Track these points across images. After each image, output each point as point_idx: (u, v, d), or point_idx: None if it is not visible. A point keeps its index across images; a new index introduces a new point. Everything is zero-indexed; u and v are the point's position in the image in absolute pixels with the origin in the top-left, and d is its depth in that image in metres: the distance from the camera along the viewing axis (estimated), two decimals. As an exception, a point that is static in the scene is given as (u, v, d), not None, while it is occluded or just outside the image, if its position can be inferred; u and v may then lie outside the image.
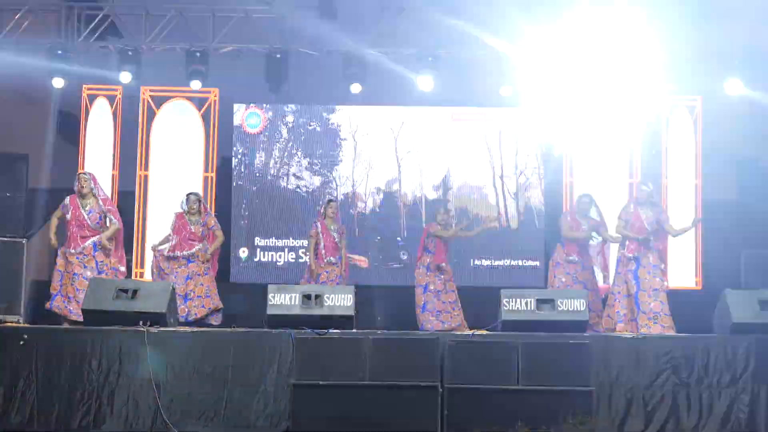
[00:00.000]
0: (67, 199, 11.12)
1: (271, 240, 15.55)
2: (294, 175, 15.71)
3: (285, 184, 15.75)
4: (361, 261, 12.23)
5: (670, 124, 14.63)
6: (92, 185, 11.07)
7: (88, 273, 10.82)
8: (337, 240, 12.11)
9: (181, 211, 11.75)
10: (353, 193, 15.48)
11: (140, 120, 14.63)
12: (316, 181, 15.69)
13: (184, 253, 11.49)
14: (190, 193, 11.85)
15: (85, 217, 10.96)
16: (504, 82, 14.01)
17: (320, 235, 12.01)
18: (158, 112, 14.62)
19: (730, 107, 14.52)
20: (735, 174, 17.45)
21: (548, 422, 7.93)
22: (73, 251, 10.97)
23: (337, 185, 15.58)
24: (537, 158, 15.51)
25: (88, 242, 10.97)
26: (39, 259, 16.43)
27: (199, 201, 11.75)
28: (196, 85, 13.85)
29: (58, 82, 13.71)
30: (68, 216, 11.05)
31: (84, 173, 11.22)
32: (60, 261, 11.07)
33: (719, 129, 15.88)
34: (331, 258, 11.97)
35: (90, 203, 11.01)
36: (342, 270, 12.11)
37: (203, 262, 11.50)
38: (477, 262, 15.08)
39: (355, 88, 13.86)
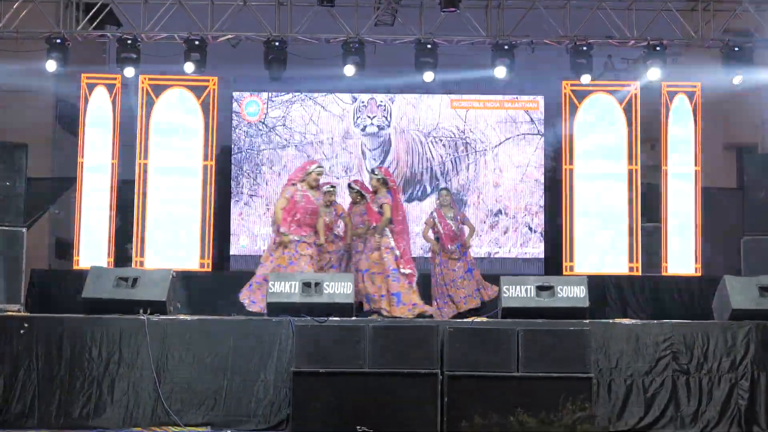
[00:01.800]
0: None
1: (270, 228, 15.55)
2: (292, 162, 15.72)
3: (284, 172, 15.75)
4: None
5: (669, 110, 14.61)
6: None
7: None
8: (454, 228, 12.01)
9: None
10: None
11: (139, 109, 14.61)
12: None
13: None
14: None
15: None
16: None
17: (437, 224, 11.91)
18: (157, 100, 14.60)
19: (730, 93, 14.52)
20: (734, 160, 17.46)
21: (548, 409, 7.91)
22: None
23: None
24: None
25: None
26: (38, 249, 16.49)
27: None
28: (189, 68, 13.73)
29: (51, 65, 13.58)
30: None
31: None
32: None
33: (719, 115, 15.89)
34: (450, 246, 11.87)
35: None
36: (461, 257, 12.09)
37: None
38: (477, 250, 15.12)
39: (349, 70, 13.74)
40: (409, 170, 15.74)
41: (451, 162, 15.72)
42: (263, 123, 15.74)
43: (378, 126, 15.64)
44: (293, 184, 10.76)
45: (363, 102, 15.67)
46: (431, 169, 15.73)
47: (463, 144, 15.71)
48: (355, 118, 15.68)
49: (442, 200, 12.17)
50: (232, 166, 15.76)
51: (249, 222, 15.59)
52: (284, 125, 15.76)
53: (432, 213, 12.31)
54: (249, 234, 15.51)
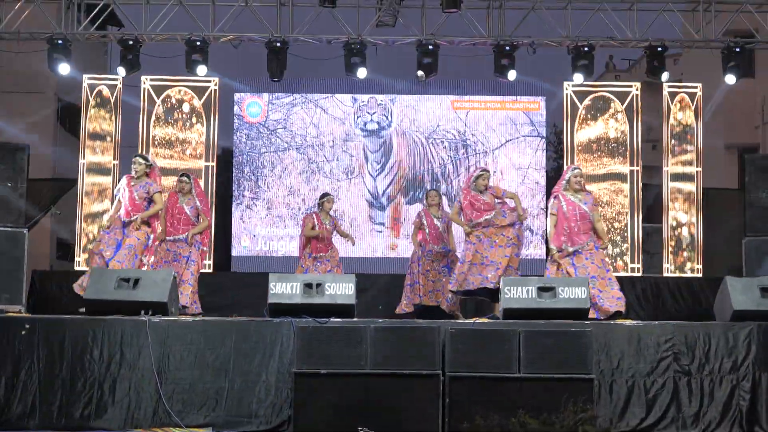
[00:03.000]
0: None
1: (272, 229, 15.57)
2: (293, 164, 15.72)
3: (285, 174, 15.75)
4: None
5: (670, 111, 14.62)
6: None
7: None
8: (441, 229, 11.97)
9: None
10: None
11: (141, 109, 14.62)
12: (319, 171, 15.72)
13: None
14: None
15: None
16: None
17: (424, 224, 11.86)
18: (158, 101, 14.60)
19: (731, 94, 14.52)
20: (735, 161, 17.44)
21: (549, 410, 7.90)
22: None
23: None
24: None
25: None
26: (40, 250, 16.48)
27: None
28: (202, 70, 13.66)
29: (64, 68, 13.56)
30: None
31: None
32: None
33: (720, 116, 15.87)
34: (435, 247, 11.82)
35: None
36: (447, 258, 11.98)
37: None
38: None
39: (361, 72, 13.70)
40: (411, 172, 15.75)
41: (452, 164, 15.73)
42: (264, 125, 15.75)
43: (378, 123, 15.65)
44: (555, 197, 10.56)
45: (363, 101, 15.68)
46: (432, 171, 15.74)
47: (464, 146, 15.72)
48: (356, 117, 15.68)
49: (429, 200, 12.10)
50: (234, 169, 15.78)
51: (251, 224, 15.60)
52: (285, 128, 15.78)
53: (419, 213, 12.20)
54: (250, 236, 15.52)
